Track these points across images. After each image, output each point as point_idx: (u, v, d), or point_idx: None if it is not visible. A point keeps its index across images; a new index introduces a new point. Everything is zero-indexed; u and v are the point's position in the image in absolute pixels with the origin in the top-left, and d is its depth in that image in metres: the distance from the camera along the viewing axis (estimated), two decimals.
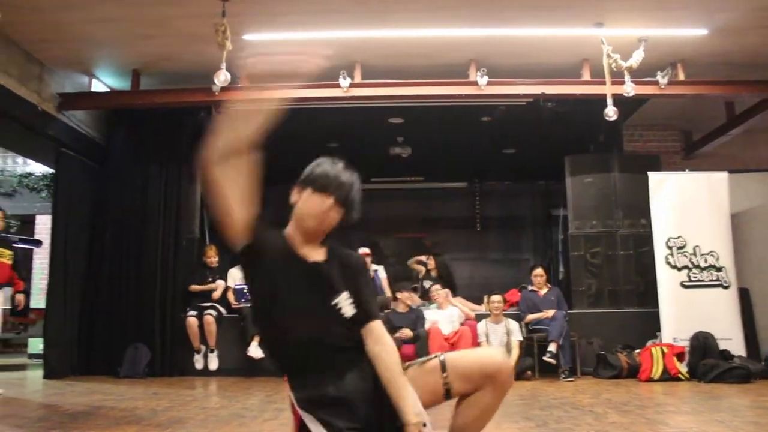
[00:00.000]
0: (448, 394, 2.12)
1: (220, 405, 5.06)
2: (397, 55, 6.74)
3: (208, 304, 7.51)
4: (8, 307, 7.13)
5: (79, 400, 5.27)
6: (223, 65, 5.81)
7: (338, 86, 6.72)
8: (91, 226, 7.73)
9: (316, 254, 2.24)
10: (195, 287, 7.62)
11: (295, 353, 2.16)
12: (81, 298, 7.51)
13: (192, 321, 7.35)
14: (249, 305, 7.45)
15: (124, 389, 6.01)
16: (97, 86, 7.51)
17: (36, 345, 8.97)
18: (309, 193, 2.28)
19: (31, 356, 9.29)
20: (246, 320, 7.39)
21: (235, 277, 7.81)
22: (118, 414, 4.50)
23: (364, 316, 2.17)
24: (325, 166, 2.37)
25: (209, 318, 7.36)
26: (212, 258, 7.82)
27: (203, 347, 7.41)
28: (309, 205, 2.25)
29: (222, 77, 5.85)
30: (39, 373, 7.14)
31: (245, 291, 7.60)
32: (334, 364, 2.10)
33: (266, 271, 2.17)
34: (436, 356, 2.19)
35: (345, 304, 2.15)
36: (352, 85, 6.76)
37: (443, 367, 2.13)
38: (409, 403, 2.01)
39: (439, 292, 7.38)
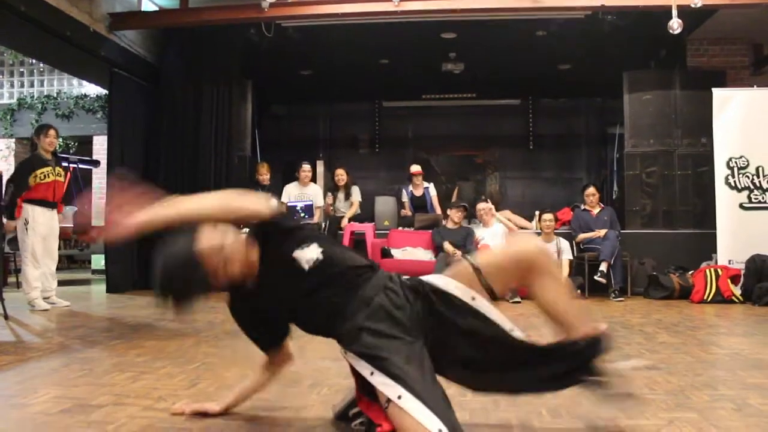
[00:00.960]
0: (493, 295, 2.13)
1: None
2: None
3: None
4: (69, 225, 7.37)
5: (140, 313, 5.49)
6: None
7: (390, 0, 6.56)
8: (145, 145, 7.86)
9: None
10: None
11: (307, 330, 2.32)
12: None
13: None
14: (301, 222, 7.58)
15: None
16: (147, 5, 7.49)
17: (98, 261, 9.31)
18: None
19: (95, 272, 9.67)
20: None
21: (290, 193, 7.90)
22: (177, 326, 4.67)
23: None
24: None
25: None
26: (264, 175, 7.90)
27: None
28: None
29: None
30: (102, 287, 7.43)
31: (299, 208, 7.71)
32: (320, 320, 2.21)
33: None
34: (467, 261, 2.16)
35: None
36: (403, 0, 6.58)
37: (477, 271, 2.10)
38: None
39: (481, 208, 7.36)
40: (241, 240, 2.14)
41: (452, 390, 2.74)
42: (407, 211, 8.32)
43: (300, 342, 4.00)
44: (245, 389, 2.46)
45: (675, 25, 6.00)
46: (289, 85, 10.36)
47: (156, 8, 7.56)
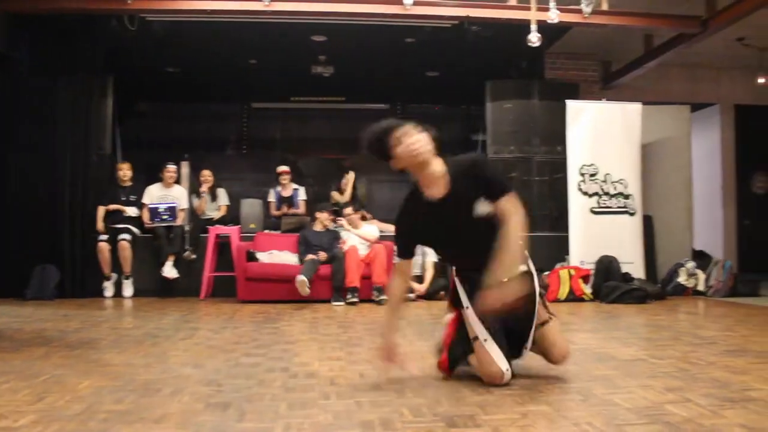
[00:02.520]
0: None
1: (134, 325, 5.00)
2: None
3: (122, 226, 7.27)
4: None
5: None
6: None
7: (260, 0, 6.46)
8: None
9: (439, 191, 2.86)
10: (111, 207, 7.38)
11: (463, 265, 3.02)
12: None
13: (103, 246, 7.11)
14: (164, 225, 7.31)
15: (31, 311, 5.84)
16: None
17: None
18: (395, 147, 2.87)
19: None
20: (160, 239, 7.24)
21: (153, 194, 7.60)
22: (25, 336, 4.38)
23: (500, 192, 2.80)
24: (378, 128, 2.96)
25: (124, 243, 7.13)
26: (125, 176, 7.56)
27: (114, 274, 7.20)
28: (403, 152, 2.85)
29: None
30: None
31: (161, 210, 7.43)
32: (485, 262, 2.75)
33: (420, 230, 2.95)
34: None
35: (482, 206, 2.79)
36: (273, 0, 6.51)
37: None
38: (504, 265, 2.69)
39: (348, 213, 7.40)
40: (431, 150, 2.84)
41: (315, 393, 2.74)
42: (273, 211, 8.23)
43: (162, 347, 3.87)
44: (395, 316, 3.07)
45: (534, 38, 6.29)
46: (155, 82, 9.98)
47: None
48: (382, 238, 7.42)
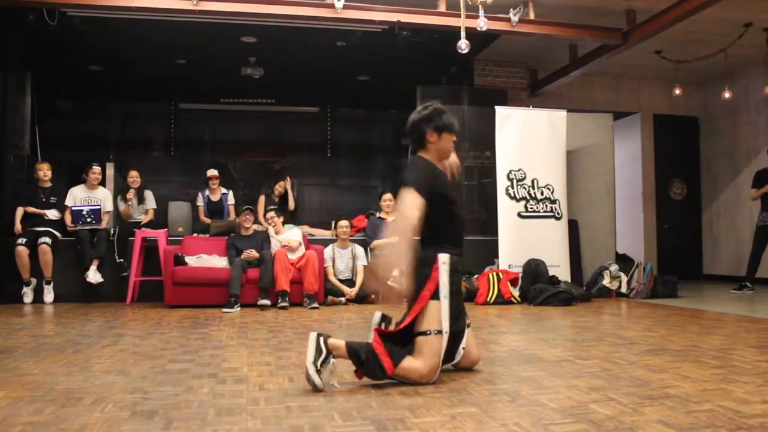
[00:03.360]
0: None
1: (54, 332, 4.80)
2: None
3: (42, 229, 6.99)
4: None
5: None
6: None
7: None
8: None
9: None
10: (30, 210, 7.09)
11: (455, 232, 3.27)
12: None
13: (22, 250, 6.81)
14: (88, 228, 7.08)
15: None
16: None
17: None
18: (446, 135, 3.32)
19: None
20: (83, 243, 7.00)
21: (76, 196, 7.35)
22: None
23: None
24: (448, 114, 3.39)
25: (45, 247, 6.85)
26: (44, 176, 7.27)
27: (34, 279, 6.92)
28: (447, 144, 3.34)
29: None
30: None
31: (84, 212, 7.19)
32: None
33: (438, 191, 3.16)
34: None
35: None
36: None
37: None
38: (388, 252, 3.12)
39: (270, 217, 7.32)
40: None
41: (244, 399, 2.70)
42: (202, 216, 8.09)
43: (84, 355, 3.74)
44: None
45: (463, 45, 6.38)
46: (77, 79, 9.67)
47: None
48: (312, 242, 7.39)
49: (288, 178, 8.56)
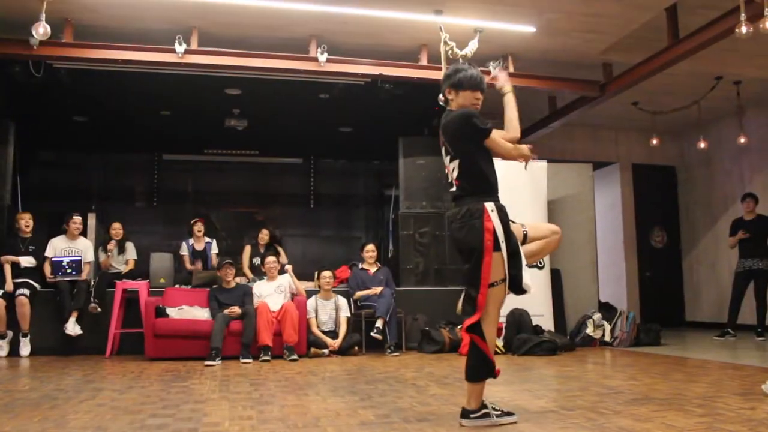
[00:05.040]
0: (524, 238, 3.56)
1: (30, 387, 4.70)
2: (236, 24, 6.55)
3: (20, 281, 6.89)
4: None
5: None
6: (43, 16, 5.33)
7: (173, 51, 6.42)
8: None
9: None
10: (4, 258, 7.00)
11: (495, 180, 3.43)
12: None
13: None
14: (68, 279, 7.01)
15: None
16: None
17: None
18: (462, 92, 3.39)
19: None
20: (63, 295, 6.90)
21: (57, 246, 7.28)
22: None
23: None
24: (468, 70, 3.41)
25: (22, 299, 6.73)
26: (26, 226, 7.21)
27: (10, 332, 6.78)
28: (466, 101, 3.39)
29: (41, 30, 5.36)
30: None
31: (65, 263, 7.12)
32: None
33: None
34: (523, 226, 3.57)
35: None
36: (187, 52, 6.48)
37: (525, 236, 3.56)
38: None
39: (269, 262, 7.31)
40: None
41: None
42: (188, 265, 8.03)
43: (61, 410, 3.66)
44: None
45: (443, 97, 6.50)
46: (60, 130, 9.67)
47: None
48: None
49: (200, 222, 8.50)
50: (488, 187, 3.35)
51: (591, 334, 7.52)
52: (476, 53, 6.36)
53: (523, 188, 7.81)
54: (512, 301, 7.35)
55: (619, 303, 9.15)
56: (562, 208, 8.54)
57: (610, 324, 7.60)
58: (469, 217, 3.23)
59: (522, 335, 6.95)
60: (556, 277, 8.15)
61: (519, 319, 7.19)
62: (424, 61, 7.05)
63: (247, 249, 8.39)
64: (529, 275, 3.32)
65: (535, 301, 7.51)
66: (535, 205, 7.84)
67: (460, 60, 6.36)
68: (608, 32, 6.75)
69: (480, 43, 6.35)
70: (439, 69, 6.37)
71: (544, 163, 8.01)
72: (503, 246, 3.19)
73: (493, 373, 3.15)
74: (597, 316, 7.64)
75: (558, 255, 8.19)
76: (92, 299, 7.03)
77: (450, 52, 6.24)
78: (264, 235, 8.43)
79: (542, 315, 7.47)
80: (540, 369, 5.66)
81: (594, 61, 7.42)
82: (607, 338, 7.51)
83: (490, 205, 3.24)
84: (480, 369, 3.15)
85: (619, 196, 10.52)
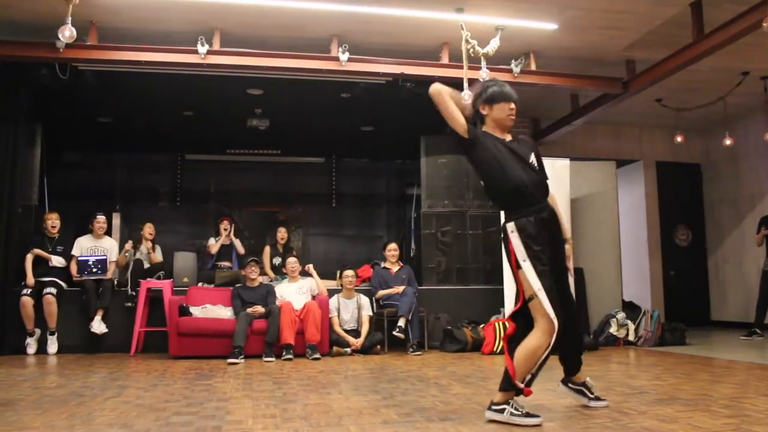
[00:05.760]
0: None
1: (57, 384, 4.77)
2: (258, 25, 6.59)
3: (47, 279, 7.01)
4: None
5: None
6: (69, 20, 5.38)
7: (196, 52, 6.47)
8: None
9: (507, 137, 3.51)
10: (35, 252, 7.13)
11: (514, 191, 3.35)
12: None
13: (26, 300, 6.80)
14: (93, 278, 7.10)
15: None
16: None
17: None
18: (496, 105, 3.47)
19: None
20: (89, 294, 7.01)
21: (83, 246, 7.38)
22: None
23: (544, 175, 3.52)
24: (498, 85, 3.52)
25: (49, 298, 6.85)
26: (53, 227, 7.32)
27: (38, 330, 6.90)
28: (501, 113, 3.46)
29: (67, 33, 5.40)
30: None
31: (91, 262, 7.21)
32: (536, 198, 3.38)
33: (486, 151, 3.40)
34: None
35: (534, 161, 3.47)
36: (210, 53, 6.52)
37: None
38: (566, 225, 3.57)
39: (290, 263, 7.36)
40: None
41: None
42: (212, 250, 8.17)
43: (88, 407, 3.71)
44: None
45: (466, 96, 6.46)
46: (85, 131, 9.78)
47: None
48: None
49: (227, 220, 8.59)
50: (506, 203, 3.48)
51: (615, 333, 7.46)
52: (498, 51, 6.35)
53: None
54: None
55: (643, 302, 9.07)
56: (586, 206, 8.47)
57: (634, 323, 7.54)
58: (502, 239, 3.46)
59: None
60: (578, 275, 8.09)
61: None
62: (445, 60, 7.04)
63: (267, 250, 8.46)
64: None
65: None
66: (557, 203, 7.78)
67: (482, 59, 6.36)
68: (631, 28, 6.69)
69: (501, 40, 6.33)
70: (461, 67, 6.36)
71: (566, 162, 7.95)
72: (525, 264, 3.26)
73: (515, 390, 3.22)
74: (621, 315, 7.58)
75: (581, 254, 8.13)
76: (129, 291, 7.18)
77: (471, 50, 6.23)
78: (283, 234, 8.49)
79: None
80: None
81: (617, 58, 7.35)
82: (631, 338, 7.44)
83: (510, 226, 3.35)
84: (505, 380, 3.27)
85: (643, 194, 10.42)
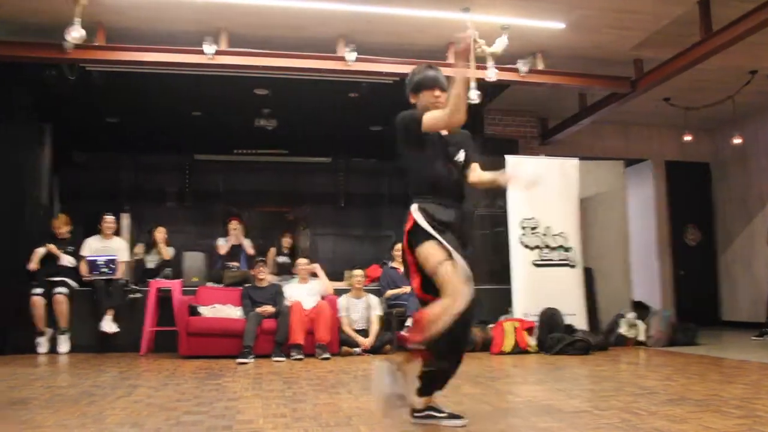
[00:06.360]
0: None
1: (69, 383, 4.80)
2: (264, 25, 6.59)
3: (58, 279, 7.05)
4: None
5: None
6: (77, 20, 5.40)
7: (203, 53, 6.48)
8: None
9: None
10: (48, 246, 7.19)
11: (432, 185, 3.24)
12: None
13: (37, 300, 6.84)
14: (103, 278, 7.14)
15: None
16: None
17: None
18: (422, 93, 3.38)
19: None
20: (99, 293, 7.03)
21: (92, 246, 7.41)
22: None
23: (468, 160, 3.42)
24: (420, 73, 3.42)
25: (60, 297, 6.90)
26: (62, 229, 7.37)
27: (49, 330, 6.94)
28: (426, 100, 3.35)
29: (75, 34, 5.43)
30: None
31: (100, 262, 7.25)
32: (449, 197, 3.27)
33: (423, 143, 3.29)
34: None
35: (460, 157, 3.37)
36: (217, 53, 6.53)
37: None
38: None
39: (300, 263, 7.38)
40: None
41: None
42: (223, 252, 8.18)
43: (99, 406, 3.73)
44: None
45: (474, 95, 6.50)
46: (94, 131, 9.82)
47: None
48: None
49: (235, 220, 8.64)
50: (417, 187, 3.31)
51: (624, 333, 7.44)
52: (505, 50, 6.34)
53: (554, 187, 7.76)
54: (544, 300, 7.33)
55: (653, 302, 9.04)
56: (594, 206, 8.45)
57: (644, 323, 7.51)
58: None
59: (554, 334, 6.89)
60: (588, 275, 8.07)
61: (551, 318, 7.14)
62: (452, 59, 7.02)
63: (272, 251, 8.55)
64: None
65: (568, 299, 7.46)
66: (566, 203, 7.79)
67: (489, 58, 6.36)
68: (639, 28, 6.67)
69: (509, 40, 6.32)
70: (468, 67, 6.35)
71: (575, 161, 7.94)
72: (428, 240, 3.12)
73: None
74: (630, 315, 7.56)
75: (590, 253, 8.12)
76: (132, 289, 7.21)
77: (479, 49, 6.23)
78: (288, 241, 8.59)
79: (574, 314, 7.40)
80: (573, 368, 5.61)
81: (625, 57, 7.33)
82: (642, 337, 7.42)
83: (414, 207, 3.23)
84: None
85: (652, 193, 10.38)
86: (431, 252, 3.07)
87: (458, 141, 3.41)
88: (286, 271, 8.17)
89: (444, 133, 3.35)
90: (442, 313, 2.93)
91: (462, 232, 3.25)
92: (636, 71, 7.45)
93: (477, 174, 3.46)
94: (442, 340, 2.94)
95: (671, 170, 10.49)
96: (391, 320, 7.23)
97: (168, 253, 7.90)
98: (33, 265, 7.05)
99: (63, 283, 7.02)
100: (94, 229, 7.72)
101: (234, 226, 8.37)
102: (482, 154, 8.38)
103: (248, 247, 8.42)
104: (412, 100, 3.45)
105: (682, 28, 6.48)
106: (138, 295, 7.21)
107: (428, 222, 3.12)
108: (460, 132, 3.43)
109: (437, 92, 3.33)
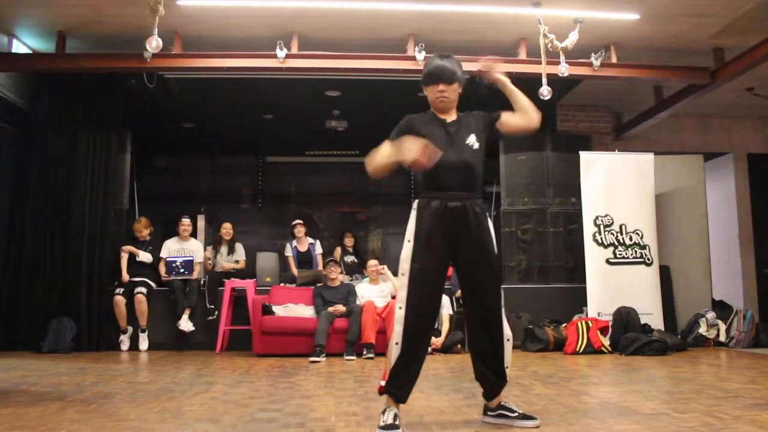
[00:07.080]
0: None
1: (149, 379, 4.97)
2: (334, 27, 6.65)
3: (138, 279, 7.33)
4: None
5: None
6: (155, 31, 5.58)
7: (275, 57, 6.59)
8: (12, 196, 7.32)
9: (450, 117, 3.41)
10: (126, 248, 7.49)
11: (433, 173, 3.15)
12: (2, 272, 7.13)
13: (119, 300, 7.14)
14: (180, 278, 7.37)
15: (47, 365, 5.81)
16: (18, 48, 7.09)
17: None
18: (428, 88, 3.39)
19: None
20: (176, 293, 7.27)
21: (170, 248, 7.68)
22: (41, 390, 4.37)
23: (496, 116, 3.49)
24: (427, 66, 3.43)
25: (140, 297, 7.17)
26: (142, 231, 7.65)
27: (130, 328, 7.22)
28: (431, 95, 3.38)
29: (154, 43, 5.60)
30: None
31: (178, 263, 7.48)
32: (451, 185, 3.19)
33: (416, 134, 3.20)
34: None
35: (472, 141, 3.33)
36: (288, 56, 6.63)
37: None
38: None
39: (371, 266, 7.43)
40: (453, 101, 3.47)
41: None
42: (293, 269, 8.22)
43: (177, 402, 3.84)
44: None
45: (545, 91, 6.39)
46: (171, 137, 10.15)
47: (29, 51, 7.20)
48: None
49: (300, 224, 8.68)
50: (422, 183, 3.32)
51: (704, 333, 7.19)
52: (577, 44, 6.22)
53: (629, 183, 7.58)
54: (618, 299, 7.15)
55: (735, 301, 8.68)
56: (671, 202, 8.19)
57: (725, 323, 7.24)
58: None
59: (629, 334, 6.72)
60: (665, 274, 7.83)
61: (626, 318, 6.96)
62: (523, 56, 6.93)
63: (338, 251, 8.68)
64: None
65: (643, 298, 7.27)
66: (642, 199, 7.59)
67: (561, 53, 6.24)
68: (719, 15, 6.40)
69: (580, 33, 6.20)
70: (539, 63, 6.27)
71: (650, 156, 7.72)
72: (407, 243, 3.24)
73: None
74: (710, 314, 7.30)
75: (667, 251, 7.89)
76: (207, 304, 7.34)
77: (550, 44, 6.13)
78: (349, 239, 8.66)
79: (651, 313, 7.20)
80: (649, 369, 5.46)
81: (704, 47, 7.06)
82: (722, 338, 7.16)
83: (416, 204, 3.29)
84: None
85: (734, 188, 9.97)
86: (401, 257, 3.19)
87: (467, 124, 3.40)
88: (354, 270, 8.24)
89: (448, 120, 3.37)
90: (390, 340, 3.13)
91: (470, 230, 3.20)
92: (716, 61, 7.16)
93: (506, 119, 3.51)
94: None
95: (754, 163, 10.04)
96: (463, 320, 7.18)
97: (240, 260, 8.04)
98: (125, 275, 7.36)
99: (143, 283, 7.29)
100: (172, 231, 7.97)
101: (299, 230, 8.46)
102: (555, 151, 8.34)
103: (318, 249, 8.51)
104: (425, 93, 3.44)
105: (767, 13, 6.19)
106: (215, 315, 7.35)
107: (416, 223, 3.18)
108: (471, 114, 3.47)
109: (441, 86, 3.33)
